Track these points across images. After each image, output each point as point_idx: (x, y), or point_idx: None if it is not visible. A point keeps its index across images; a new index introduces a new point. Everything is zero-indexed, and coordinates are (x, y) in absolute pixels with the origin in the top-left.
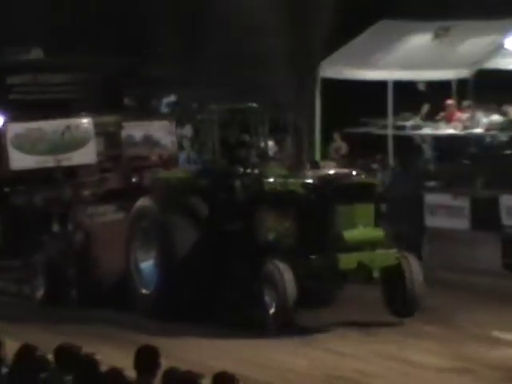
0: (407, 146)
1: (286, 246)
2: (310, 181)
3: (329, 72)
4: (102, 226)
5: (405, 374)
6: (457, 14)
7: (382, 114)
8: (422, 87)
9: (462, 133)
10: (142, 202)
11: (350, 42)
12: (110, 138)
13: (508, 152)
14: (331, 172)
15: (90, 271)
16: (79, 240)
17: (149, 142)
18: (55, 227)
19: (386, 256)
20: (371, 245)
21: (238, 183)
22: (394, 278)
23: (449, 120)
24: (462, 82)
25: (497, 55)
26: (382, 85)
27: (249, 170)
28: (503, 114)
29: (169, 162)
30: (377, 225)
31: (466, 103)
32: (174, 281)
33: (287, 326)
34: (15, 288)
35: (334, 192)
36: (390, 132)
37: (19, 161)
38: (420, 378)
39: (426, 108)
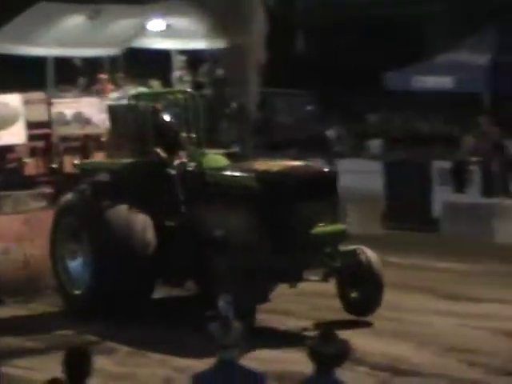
0: None
1: (236, 244)
2: (266, 174)
3: None
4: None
5: None
6: None
7: (43, 87)
8: (78, 62)
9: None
10: (68, 195)
11: (12, 20)
12: (39, 116)
13: None
14: (289, 165)
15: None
16: None
17: (80, 119)
18: None
19: (347, 253)
20: (333, 241)
21: (176, 174)
22: (352, 274)
23: (103, 92)
24: (114, 59)
25: (142, 36)
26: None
27: (185, 160)
28: (149, 86)
29: (101, 142)
30: (338, 219)
31: (117, 77)
32: (109, 279)
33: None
34: None
35: (295, 186)
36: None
37: None
38: None
39: (82, 81)
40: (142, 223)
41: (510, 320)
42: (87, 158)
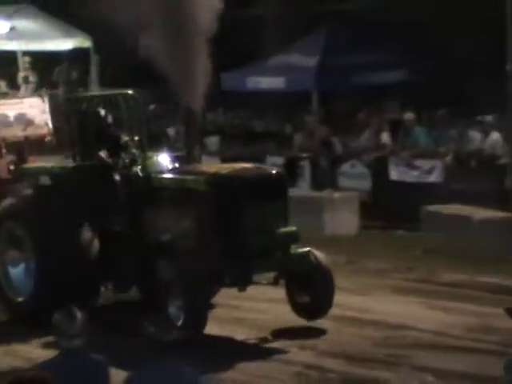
0: None
1: (185, 249)
2: (215, 177)
3: None
4: None
5: None
6: None
7: None
8: None
9: None
10: (9, 199)
11: None
12: None
13: None
14: (238, 167)
15: None
16: None
17: (22, 121)
18: None
19: (300, 257)
20: (284, 244)
21: (119, 178)
22: (302, 277)
23: None
24: None
25: None
26: None
27: (128, 163)
28: None
29: (44, 143)
30: (288, 221)
31: None
32: (53, 285)
33: (197, 336)
34: None
35: (244, 188)
36: None
37: None
38: None
39: None
40: (86, 228)
41: (351, 308)
42: (24, 162)
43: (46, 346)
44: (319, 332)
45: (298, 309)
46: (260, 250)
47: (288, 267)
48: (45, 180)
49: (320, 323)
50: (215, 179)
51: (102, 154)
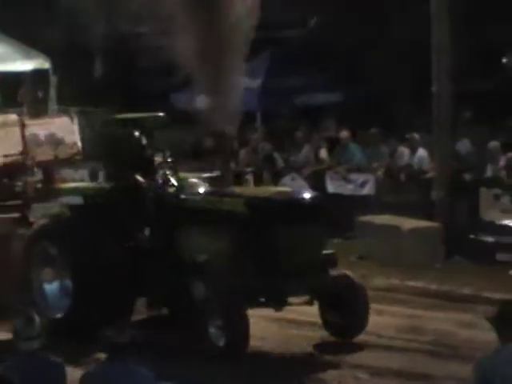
0: None
1: (221, 269)
2: (253, 200)
3: None
4: None
5: None
6: None
7: None
8: None
9: None
10: (43, 220)
11: None
12: (13, 139)
13: None
14: (276, 190)
15: None
16: None
17: (52, 140)
18: None
19: (336, 278)
20: (321, 268)
21: (154, 199)
22: (337, 298)
23: None
24: None
25: None
26: None
27: (162, 184)
28: None
29: (73, 162)
30: (325, 245)
31: None
32: (88, 303)
33: (239, 356)
34: None
35: (282, 212)
36: None
37: None
38: None
39: None
40: (120, 248)
41: (290, 311)
42: (51, 181)
43: None
44: (261, 332)
45: (330, 328)
46: (296, 272)
47: (324, 289)
48: (78, 200)
49: (263, 325)
50: (254, 202)
51: (137, 175)
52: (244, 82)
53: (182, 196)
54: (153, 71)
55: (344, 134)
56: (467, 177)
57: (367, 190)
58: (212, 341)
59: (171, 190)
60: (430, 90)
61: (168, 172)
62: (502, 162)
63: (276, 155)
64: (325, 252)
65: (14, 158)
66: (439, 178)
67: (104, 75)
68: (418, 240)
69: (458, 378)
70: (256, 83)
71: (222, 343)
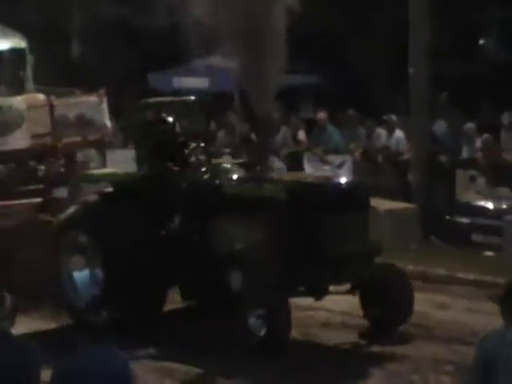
0: None
1: (261, 258)
2: (295, 186)
3: None
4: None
5: None
6: None
7: None
8: None
9: None
10: (72, 208)
11: None
12: (42, 120)
13: None
14: (319, 176)
15: None
16: None
17: (82, 122)
18: None
19: (380, 268)
20: (366, 256)
21: (188, 185)
22: (379, 289)
23: None
24: None
25: None
26: None
27: (196, 170)
28: None
29: (104, 145)
30: (369, 233)
31: None
32: (119, 291)
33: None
34: None
35: (325, 198)
36: None
37: None
38: None
39: None
40: (151, 237)
41: None
42: (73, 166)
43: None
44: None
45: (371, 319)
46: (338, 260)
47: (366, 278)
48: (109, 187)
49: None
50: (297, 188)
51: (169, 162)
52: (221, 63)
53: (216, 182)
54: (129, 52)
55: (321, 115)
56: (443, 159)
57: (344, 171)
58: (252, 331)
59: (204, 176)
60: (408, 71)
61: (201, 158)
62: (478, 143)
63: (253, 136)
64: (369, 240)
65: (42, 139)
66: (415, 160)
67: (81, 55)
68: (394, 221)
69: (432, 359)
70: (234, 63)
71: (262, 333)
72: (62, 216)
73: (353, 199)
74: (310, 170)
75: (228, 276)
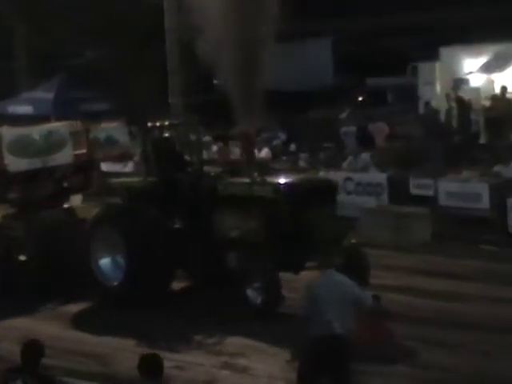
0: None
1: (251, 242)
2: (280, 185)
3: None
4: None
5: None
6: None
7: None
8: None
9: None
10: (103, 207)
11: None
12: (79, 140)
13: None
14: (299, 177)
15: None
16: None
17: (110, 142)
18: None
19: (348, 246)
20: (338, 240)
21: (190, 188)
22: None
23: None
24: None
25: None
26: None
27: (195, 176)
28: None
29: (127, 158)
30: (337, 220)
31: None
32: (139, 275)
33: (274, 313)
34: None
35: (305, 195)
36: None
37: (15, 164)
38: None
39: None
40: (164, 230)
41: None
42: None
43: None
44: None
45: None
46: (312, 242)
47: (334, 255)
48: (131, 192)
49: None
50: (281, 188)
51: (173, 170)
52: (42, 95)
53: (213, 184)
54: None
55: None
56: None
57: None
58: (249, 301)
59: (203, 180)
60: (168, 101)
61: (197, 166)
62: (214, 149)
63: None
64: (336, 226)
65: (82, 156)
66: None
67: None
68: None
69: None
70: (51, 95)
71: (258, 302)
72: (93, 215)
73: (324, 194)
74: None
75: (225, 257)
